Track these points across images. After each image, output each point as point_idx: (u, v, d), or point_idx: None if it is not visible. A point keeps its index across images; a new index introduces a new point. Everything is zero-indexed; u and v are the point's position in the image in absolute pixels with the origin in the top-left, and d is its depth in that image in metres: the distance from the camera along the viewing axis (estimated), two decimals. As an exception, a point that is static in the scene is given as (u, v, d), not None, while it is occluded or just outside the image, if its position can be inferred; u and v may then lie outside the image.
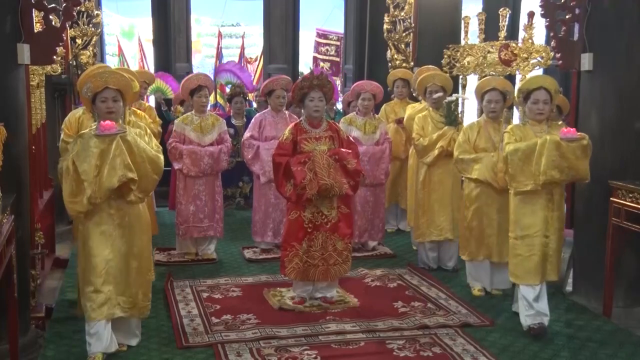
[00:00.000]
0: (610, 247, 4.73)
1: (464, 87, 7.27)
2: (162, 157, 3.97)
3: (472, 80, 7.40)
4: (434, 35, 7.64)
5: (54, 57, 4.62)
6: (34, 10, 4.32)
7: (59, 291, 5.22)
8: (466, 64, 6.92)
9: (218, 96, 9.69)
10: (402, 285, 5.43)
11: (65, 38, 5.14)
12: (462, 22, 7.16)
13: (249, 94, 9.33)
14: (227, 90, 9.31)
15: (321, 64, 10.93)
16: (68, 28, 5.71)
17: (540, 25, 5.72)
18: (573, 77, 5.53)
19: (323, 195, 4.65)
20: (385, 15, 7.95)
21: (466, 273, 5.36)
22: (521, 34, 6.57)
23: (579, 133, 4.24)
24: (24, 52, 4.18)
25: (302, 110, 5.01)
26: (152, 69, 10.03)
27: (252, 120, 6.48)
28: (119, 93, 3.86)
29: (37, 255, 4.90)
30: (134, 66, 10.29)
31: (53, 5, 4.50)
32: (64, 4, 4.54)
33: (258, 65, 10.59)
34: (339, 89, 10.08)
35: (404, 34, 7.90)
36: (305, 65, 11.16)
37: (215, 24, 12.70)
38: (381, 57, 8.39)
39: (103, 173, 3.67)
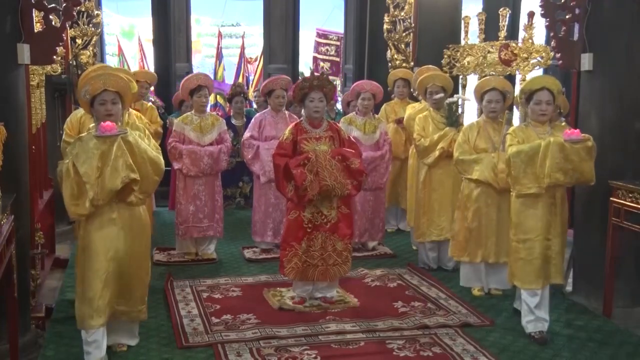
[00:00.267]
0: (610, 247, 4.73)
1: (464, 87, 7.27)
2: (162, 158, 3.94)
3: (472, 80, 7.39)
4: (434, 35, 7.63)
5: (54, 57, 4.63)
6: (34, 10, 4.33)
7: (59, 291, 5.21)
8: (466, 64, 6.93)
9: (218, 96, 9.69)
10: (402, 285, 5.43)
11: (65, 38, 5.15)
12: (462, 22, 7.17)
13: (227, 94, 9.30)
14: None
15: (321, 63, 10.92)
16: (68, 28, 5.71)
17: (540, 25, 5.72)
18: (573, 77, 5.54)
19: (325, 195, 4.65)
20: (385, 15, 7.95)
21: (461, 276, 5.32)
22: (521, 34, 6.58)
23: (583, 134, 4.17)
24: (24, 52, 4.18)
25: (303, 110, 5.01)
26: (152, 69, 10.04)
27: (252, 120, 6.48)
28: (118, 95, 3.81)
29: (37, 255, 4.90)
30: (134, 66, 10.30)
31: (53, 5, 4.50)
32: (64, 4, 4.55)
33: (258, 65, 10.58)
34: (338, 88, 10.08)
35: (404, 34, 7.91)
36: (305, 65, 11.16)
37: (215, 24, 12.70)
38: (381, 57, 8.40)
39: (105, 175, 3.62)
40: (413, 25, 7.86)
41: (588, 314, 4.82)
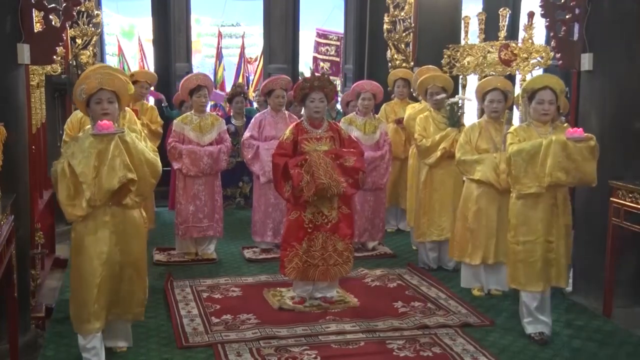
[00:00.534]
0: (610, 247, 4.73)
1: (464, 87, 7.27)
2: (159, 160, 3.84)
3: (472, 80, 7.40)
4: (434, 35, 7.64)
5: (54, 57, 4.63)
6: (34, 10, 4.33)
7: (59, 291, 5.21)
8: (466, 64, 6.93)
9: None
10: (402, 285, 5.43)
11: (65, 38, 5.15)
12: (462, 22, 7.17)
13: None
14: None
15: (321, 64, 10.92)
16: (68, 28, 5.71)
17: (540, 25, 5.72)
18: (573, 77, 5.54)
19: (321, 195, 4.65)
20: (385, 15, 7.95)
21: (462, 277, 5.33)
22: (521, 34, 6.58)
23: (586, 134, 4.10)
24: (24, 52, 4.18)
25: (303, 110, 5.01)
26: (152, 69, 10.03)
27: (252, 120, 6.48)
28: (115, 95, 3.71)
29: (37, 255, 4.90)
30: (134, 66, 10.30)
31: (53, 5, 4.50)
32: (64, 4, 4.55)
33: (258, 65, 10.59)
34: (338, 88, 10.07)
35: (404, 34, 7.91)
36: (305, 65, 11.16)
37: (215, 24, 12.70)
38: (381, 57, 8.40)
39: (102, 174, 3.53)
40: (413, 25, 7.87)
41: (588, 314, 4.82)
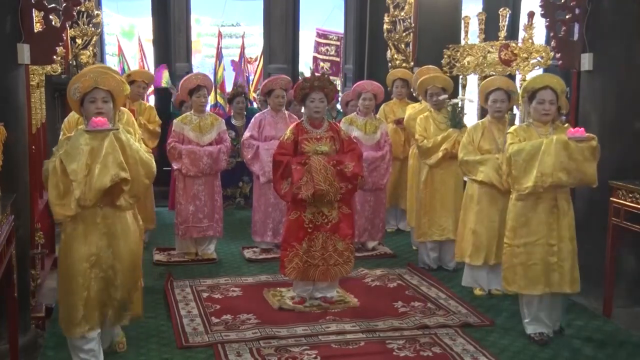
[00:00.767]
0: (610, 247, 4.73)
1: (464, 87, 7.28)
2: (153, 161, 3.71)
3: (472, 80, 7.41)
4: (434, 35, 7.63)
5: (54, 57, 4.63)
6: (34, 10, 4.33)
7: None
8: (466, 64, 6.93)
9: (218, 96, 9.69)
10: (402, 285, 5.43)
11: (65, 38, 5.14)
12: (462, 22, 7.17)
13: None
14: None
15: (321, 64, 10.92)
16: (68, 28, 5.71)
17: (540, 25, 5.72)
18: (573, 77, 5.53)
19: (318, 200, 4.67)
20: (385, 15, 7.95)
21: (464, 276, 5.33)
22: (521, 34, 6.57)
23: (587, 134, 4.06)
24: (24, 52, 4.18)
25: (303, 110, 5.02)
26: (152, 69, 10.03)
27: (252, 120, 6.48)
28: (109, 94, 3.61)
29: (37, 255, 4.90)
30: (134, 66, 10.29)
31: (53, 5, 4.50)
32: (64, 4, 4.55)
33: (258, 65, 10.57)
34: (338, 88, 10.07)
35: (404, 34, 7.90)
36: (305, 65, 11.15)
37: (215, 23, 12.68)
38: (381, 57, 8.40)
39: (94, 172, 3.40)
40: (413, 25, 7.86)
41: (588, 314, 4.82)
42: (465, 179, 5.35)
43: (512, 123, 5.11)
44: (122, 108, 4.36)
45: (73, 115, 5.02)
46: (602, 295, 4.80)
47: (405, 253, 6.51)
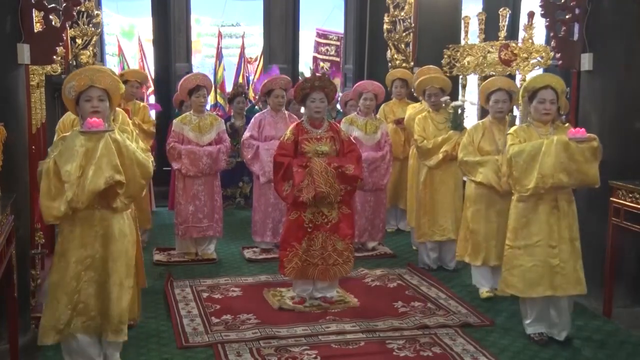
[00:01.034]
0: (610, 247, 4.73)
1: (464, 87, 7.27)
2: (150, 161, 3.66)
3: (472, 80, 7.40)
4: (434, 35, 7.64)
5: (54, 57, 4.62)
6: (34, 10, 4.32)
7: (59, 291, 5.20)
8: (466, 64, 6.92)
9: (218, 96, 9.69)
10: (402, 285, 5.43)
11: (65, 38, 5.14)
12: (462, 22, 7.17)
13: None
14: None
15: (321, 64, 10.92)
16: (68, 28, 5.70)
17: (540, 25, 5.72)
18: (573, 77, 5.53)
19: (319, 202, 4.68)
20: (385, 15, 7.95)
21: (472, 274, 5.30)
22: (521, 34, 6.57)
23: (588, 134, 4.02)
24: (24, 52, 4.18)
25: (303, 110, 5.02)
26: (152, 69, 10.03)
27: (252, 120, 6.49)
28: (105, 93, 3.54)
29: (37, 255, 4.90)
30: (134, 66, 10.29)
31: (53, 5, 4.50)
32: (64, 4, 4.54)
33: (258, 65, 10.58)
34: (338, 88, 10.06)
35: (404, 34, 7.90)
36: (305, 65, 11.15)
37: (215, 24, 12.68)
38: (381, 57, 8.39)
39: (88, 174, 3.33)
40: (413, 25, 7.86)
41: (588, 314, 4.82)
42: (465, 178, 5.35)
43: (512, 124, 5.11)
44: (116, 108, 4.32)
45: (68, 116, 5.01)
46: (602, 295, 4.80)
47: (405, 253, 6.51)
